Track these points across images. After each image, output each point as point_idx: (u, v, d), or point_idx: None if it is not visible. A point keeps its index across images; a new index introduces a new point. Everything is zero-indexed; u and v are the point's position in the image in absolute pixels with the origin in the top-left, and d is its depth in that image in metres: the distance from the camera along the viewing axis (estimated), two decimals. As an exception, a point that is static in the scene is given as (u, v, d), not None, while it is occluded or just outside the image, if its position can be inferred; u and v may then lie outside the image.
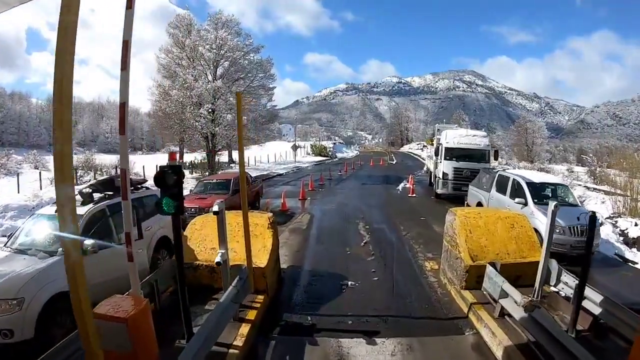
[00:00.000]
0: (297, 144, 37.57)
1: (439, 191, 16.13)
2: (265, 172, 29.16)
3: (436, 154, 16.39)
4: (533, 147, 77.58)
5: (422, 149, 69.58)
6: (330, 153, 51.05)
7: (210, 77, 25.26)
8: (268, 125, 25.53)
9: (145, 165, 31.66)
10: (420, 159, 48.94)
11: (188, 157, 36.40)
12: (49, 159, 47.66)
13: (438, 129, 18.88)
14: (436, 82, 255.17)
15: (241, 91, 25.68)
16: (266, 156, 42.04)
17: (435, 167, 17.86)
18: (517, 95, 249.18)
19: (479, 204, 12.04)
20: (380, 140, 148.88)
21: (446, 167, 15.82)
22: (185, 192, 16.22)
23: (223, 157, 38.52)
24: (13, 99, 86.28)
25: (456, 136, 16.18)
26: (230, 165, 37.06)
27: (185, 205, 11.09)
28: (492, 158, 16.42)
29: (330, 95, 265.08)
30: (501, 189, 10.85)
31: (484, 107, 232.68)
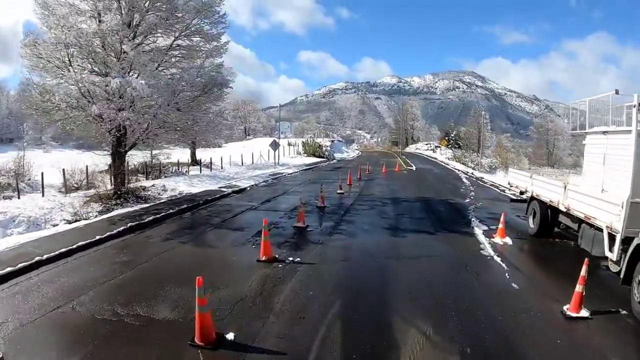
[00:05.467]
0: (278, 141, 25.16)
1: None
2: (218, 186, 16.84)
3: None
4: (554, 150, 65.85)
5: (433, 149, 57.50)
6: (326, 153, 38.56)
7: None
8: (209, 102, 12.92)
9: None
10: (441, 163, 36.70)
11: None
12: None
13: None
14: (436, 82, 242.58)
15: (166, 46, 13.29)
16: (248, 155, 29.69)
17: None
18: (516, 97, 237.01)
19: None
20: (380, 139, 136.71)
21: None
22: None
23: (173, 156, 26.07)
24: (-20, 89, 73.72)
25: None
26: (183, 170, 24.56)
27: None
28: None
29: (330, 93, 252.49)
30: None
31: (484, 108, 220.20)
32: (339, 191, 14.95)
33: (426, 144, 64.77)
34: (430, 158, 44.53)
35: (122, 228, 9.54)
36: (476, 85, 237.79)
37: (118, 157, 14.15)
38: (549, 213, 8.84)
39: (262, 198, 13.76)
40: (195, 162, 29.37)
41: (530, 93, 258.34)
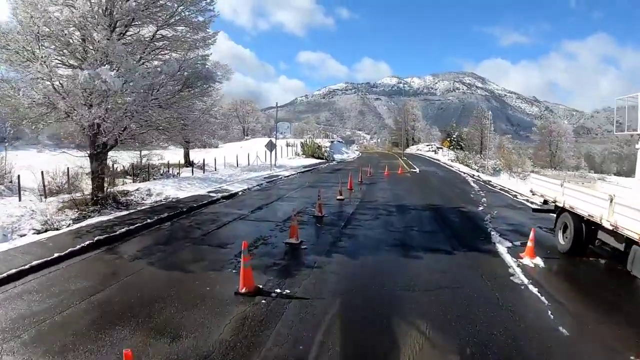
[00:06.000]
0: (274, 141, 23.74)
1: None
2: (207, 191, 15.45)
3: None
4: (557, 152, 64.52)
5: (435, 151, 56.12)
6: (326, 154, 37.08)
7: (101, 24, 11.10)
8: (193, 97, 11.50)
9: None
10: (444, 165, 35.38)
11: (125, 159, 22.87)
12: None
13: None
14: (436, 83, 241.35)
15: (149, 37, 11.95)
16: (245, 156, 28.28)
17: None
18: (516, 99, 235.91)
19: None
20: (379, 140, 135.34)
21: None
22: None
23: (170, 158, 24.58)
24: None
25: None
26: (175, 172, 23.10)
27: None
28: None
29: (329, 94, 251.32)
30: None
31: (484, 109, 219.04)
32: (338, 197, 13.56)
33: (427, 145, 63.39)
34: (432, 159, 43.21)
35: (87, 243, 8.20)
36: (476, 87, 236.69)
37: (96, 159, 12.76)
38: (583, 228, 7.50)
39: (254, 205, 12.36)
40: (188, 163, 28.00)
41: (530, 94, 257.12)
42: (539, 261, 7.22)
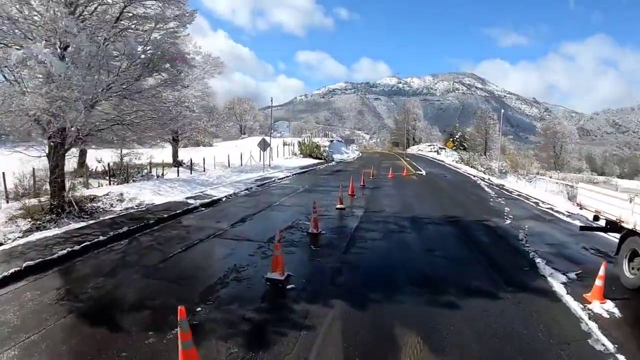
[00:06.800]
0: (267, 140, 21.58)
1: None
2: (185, 197, 13.37)
3: None
4: (561, 153, 62.64)
5: (437, 151, 54.01)
6: (325, 154, 34.87)
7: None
8: (161, 85, 9.34)
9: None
10: (449, 166, 33.33)
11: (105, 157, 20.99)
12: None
13: None
14: (435, 83, 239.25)
15: (113, 16, 9.82)
16: (240, 156, 26.15)
17: None
18: (516, 100, 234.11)
19: None
20: (379, 139, 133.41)
21: None
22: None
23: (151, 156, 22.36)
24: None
25: None
26: (159, 173, 20.94)
27: None
28: None
29: (329, 93, 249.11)
30: None
31: (484, 110, 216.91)
32: (338, 206, 11.47)
33: (429, 145, 61.25)
34: (436, 161, 41.13)
35: (12, 271, 6.27)
36: (476, 87, 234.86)
37: (52, 158, 10.69)
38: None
39: (236, 216, 10.24)
40: (177, 162, 25.85)
41: (529, 95, 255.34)
42: (611, 307, 5.22)
